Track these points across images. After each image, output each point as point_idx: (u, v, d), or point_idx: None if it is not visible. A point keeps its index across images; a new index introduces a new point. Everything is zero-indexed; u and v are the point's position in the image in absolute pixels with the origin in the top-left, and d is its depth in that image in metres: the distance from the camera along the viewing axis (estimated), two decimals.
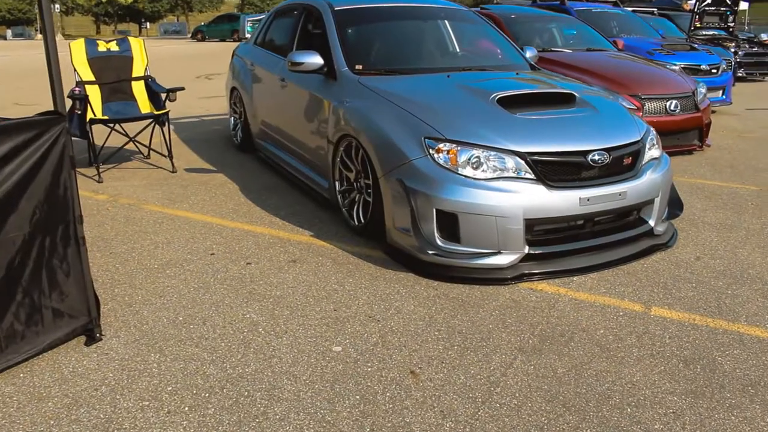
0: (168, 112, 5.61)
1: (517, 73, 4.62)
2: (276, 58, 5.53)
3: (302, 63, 4.43)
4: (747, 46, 14.38)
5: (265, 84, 5.70)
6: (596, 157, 3.50)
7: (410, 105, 3.77)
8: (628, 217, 3.83)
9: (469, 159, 3.41)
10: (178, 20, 56.06)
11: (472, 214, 3.33)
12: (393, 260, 3.65)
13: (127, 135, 5.71)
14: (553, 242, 3.56)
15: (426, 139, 3.50)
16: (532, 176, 3.40)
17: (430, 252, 3.43)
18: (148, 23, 57.77)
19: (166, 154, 5.70)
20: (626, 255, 3.72)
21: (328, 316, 3.00)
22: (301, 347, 2.72)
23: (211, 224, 4.29)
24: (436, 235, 3.41)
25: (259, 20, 6.73)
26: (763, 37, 15.29)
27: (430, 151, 3.46)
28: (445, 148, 3.45)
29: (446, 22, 5.21)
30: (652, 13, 13.32)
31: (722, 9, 14.71)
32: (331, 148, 4.26)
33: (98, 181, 5.29)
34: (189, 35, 41.30)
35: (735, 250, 3.92)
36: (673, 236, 4.07)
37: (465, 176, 3.38)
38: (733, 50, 12.97)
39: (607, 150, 3.56)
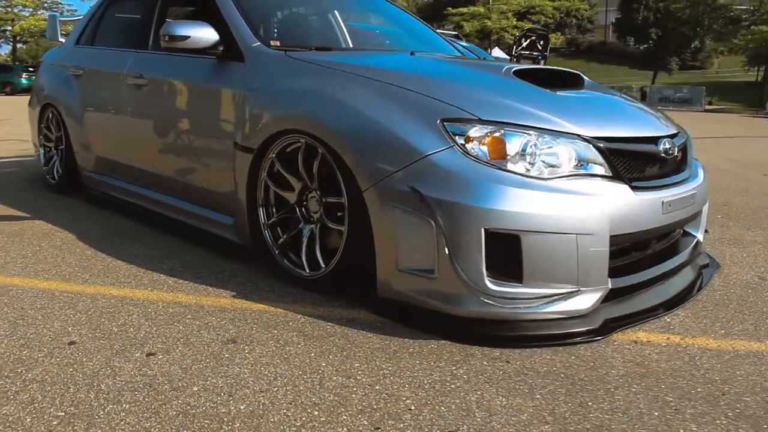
0: None
1: (480, 58, 3.56)
2: (122, 54, 3.85)
3: (186, 37, 2.90)
4: None
5: (104, 91, 3.96)
6: (667, 146, 2.49)
7: (398, 78, 2.45)
8: (674, 231, 2.86)
9: (523, 148, 2.18)
10: None
11: (543, 233, 2.09)
12: (396, 322, 2.25)
13: None
14: (627, 270, 2.43)
15: (445, 123, 2.21)
16: (606, 172, 2.26)
17: (485, 300, 2.10)
18: None
19: None
20: (691, 281, 2.72)
21: None
22: None
23: (51, 292, 2.50)
24: (485, 272, 2.09)
25: (77, 20, 4.94)
26: None
27: (457, 138, 2.18)
28: (478, 134, 2.19)
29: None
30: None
31: (535, 54, 15.55)
32: (246, 159, 2.74)
33: None
34: None
35: None
36: (710, 256, 3.19)
37: (519, 174, 2.14)
38: None
39: (670, 138, 2.58)
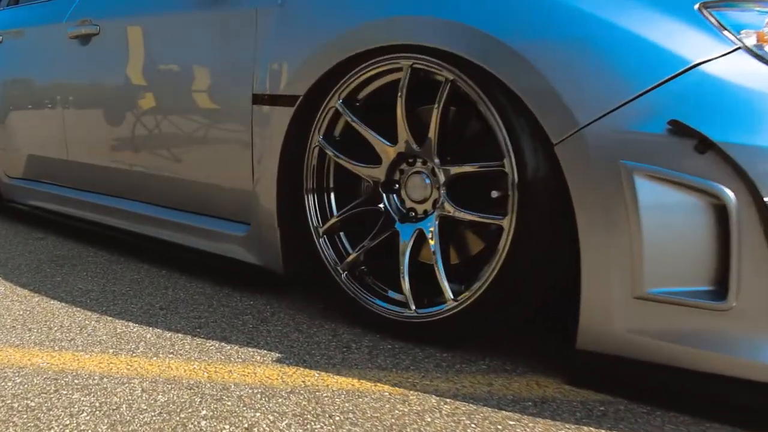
0: None
1: None
2: (60, 3, 2.65)
3: None
4: None
5: (33, 57, 2.74)
6: None
7: None
8: None
9: None
10: None
11: None
12: (627, 399, 1.12)
13: None
14: None
15: (711, 10, 1.14)
16: None
17: None
18: None
19: None
20: None
21: None
22: None
23: None
24: None
25: None
26: None
27: (743, 37, 1.11)
28: None
29: None
30: None
31: None
32: (280, 117, 1.56)
33: None
34: None
35: None
36: None
37: None
38: None
39: None
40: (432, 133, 1.33)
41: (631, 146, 1.09)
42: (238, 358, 1.33)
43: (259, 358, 1.33)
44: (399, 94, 1.35)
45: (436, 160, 1.35)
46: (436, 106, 1.30)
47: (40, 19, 2.72)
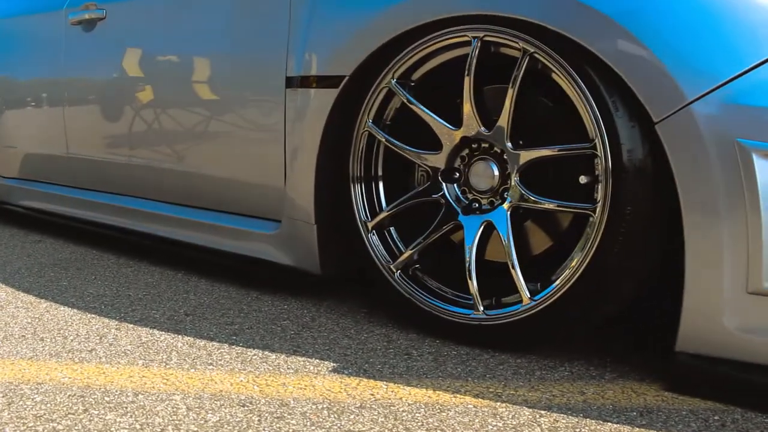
0: None
1: None
2: None
3: None
4: None
5: (29, 47, 2.56)
6: None
7: None
8: None
9: None
10: None
11: None
12: (741, 407, 0.99)
13: None
14: None
15: None
16: None
17: None
18: None
19: None
20: None
21: None
22: None
23: None
24: None
25: None
26: None
27: None
28: None
29: None
30: None
31: None
32: (321, 101, 1.42)
33: None
34: None
35: None
36: None
37: None
38: None
39: None
40: (505, 113, 1.19)
41: (749, 123, 0.97)
42: (288, 368, 1.18)
43: (312, 368, 1.18)
44: (466, 71, 1.21)
45: (508, 144, 1.21)
46: (511, 84, 1.16)
47: (36, 6, 2.54)
